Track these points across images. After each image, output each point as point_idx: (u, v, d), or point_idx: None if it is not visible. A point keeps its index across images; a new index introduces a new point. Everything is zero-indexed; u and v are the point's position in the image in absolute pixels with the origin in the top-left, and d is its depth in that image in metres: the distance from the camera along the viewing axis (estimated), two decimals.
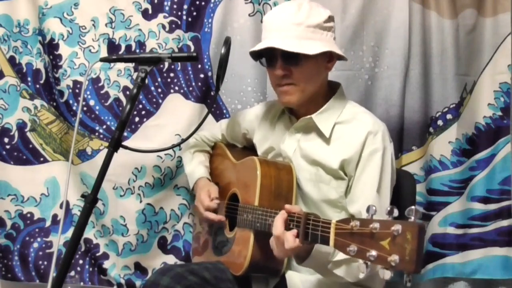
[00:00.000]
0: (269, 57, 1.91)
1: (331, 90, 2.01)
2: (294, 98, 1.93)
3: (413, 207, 1.18)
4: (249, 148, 2.29)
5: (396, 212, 1.23)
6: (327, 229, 1.43)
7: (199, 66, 2.59)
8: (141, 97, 2.58)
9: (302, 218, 1.55)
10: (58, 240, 2.07)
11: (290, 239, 1.57)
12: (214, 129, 2.43)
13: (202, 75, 2.59)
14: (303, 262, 1.67)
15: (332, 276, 1.74)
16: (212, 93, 2.60)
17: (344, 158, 1.86)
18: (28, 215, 2.67)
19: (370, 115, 1.97)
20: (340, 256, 1.67)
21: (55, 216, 2.68)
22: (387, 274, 1.20)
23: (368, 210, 1.30)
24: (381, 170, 1.84)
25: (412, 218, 1.18)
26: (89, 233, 2.64)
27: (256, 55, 1.98)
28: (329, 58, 1.94)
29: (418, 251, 1.15)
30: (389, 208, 1.24)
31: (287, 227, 1.60)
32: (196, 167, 2.32)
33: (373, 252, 1.22)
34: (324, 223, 1.45)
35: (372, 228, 1.24)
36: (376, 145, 1.85)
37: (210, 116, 2.56)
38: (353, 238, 1.30)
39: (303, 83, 1.90)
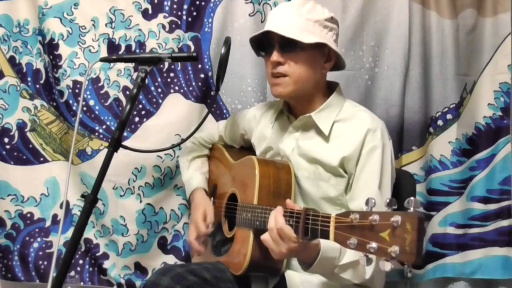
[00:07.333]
0: (267, 45, 1.92)
1: (330, 90, 2.01)
2: (286, 91, 1.92)
3: (412, 198, 1.18)
4: (247, 148, 2.29)
5: (395, 204, 1.23)
6: (326, 223, 1.42)
7: (199, 66, 2.59)
8: (141, 97, 2.58)
9: (302, 213, 1.54)
10: (58, 240, 2.09)
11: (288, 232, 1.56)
12: (212, 130, 2.43)
13: (202, 75, 2.59)
14: (309, 268, 1.65)
15: (338, 279, 1.73)
16: (212, 93, 2.60)
17: (344, 156, 1.86)
18: (28, 215, 2.67)
19: (368, 113, 1.97)
20: (346, 259, 1.67)
21: (55, 216, 2.68)
22: (387, 266, 1.19)
23: (367, 202, 1.29)
24: (381, 166, 1.84)
25: (411, 208, 1.17)
26: (89, 233, 2.64)
27: (257, 48, 2.00)
28: (326, 57, 1.95)
29: (418, 242, 1.14)
30: (388, 200, 1.23)
31: (286, 223, 1.59)
32: (193, 175, 2.32)
33: (373, 244, 1.22)
34: (324, 217, 1.44)
35: (372, 220, 1.23)
36: (376, 142, 1.85)
37: (210, 116, 2.56)
38: (353, 231, 1.30)
39: (296, 74, 1.90)
